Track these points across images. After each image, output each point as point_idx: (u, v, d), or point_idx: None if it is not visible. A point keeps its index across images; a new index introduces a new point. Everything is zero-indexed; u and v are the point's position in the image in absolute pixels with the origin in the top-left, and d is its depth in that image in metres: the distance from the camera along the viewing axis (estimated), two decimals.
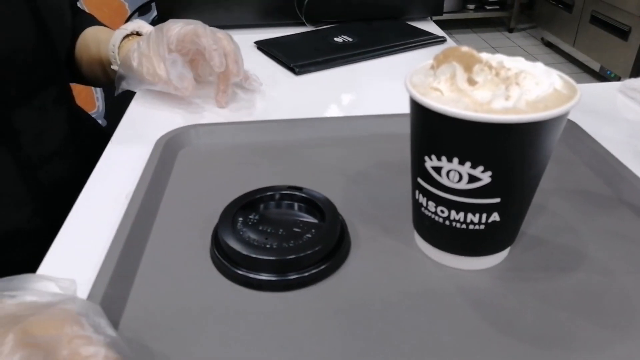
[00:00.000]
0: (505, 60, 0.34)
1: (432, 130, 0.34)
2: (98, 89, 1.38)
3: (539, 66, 0.34)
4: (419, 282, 0.38)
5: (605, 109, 0.63)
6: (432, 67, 0.34)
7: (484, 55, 0.35)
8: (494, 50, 3.28)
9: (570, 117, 0.55)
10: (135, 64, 0.62)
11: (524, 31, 3.59)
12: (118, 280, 0.37)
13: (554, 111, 0.30)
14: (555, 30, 3.13)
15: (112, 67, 0.69)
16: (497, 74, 0.32)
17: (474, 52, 0.33)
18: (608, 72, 2.70)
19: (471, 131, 0.31)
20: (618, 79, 2.62)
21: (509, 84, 0.32)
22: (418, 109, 0.34)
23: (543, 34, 3.29)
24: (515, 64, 0.34)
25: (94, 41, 0.74)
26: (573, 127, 0.55)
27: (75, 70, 0.78)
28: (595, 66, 2.80)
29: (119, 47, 0.68)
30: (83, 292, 0.35)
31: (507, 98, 0.31)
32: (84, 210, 0.47)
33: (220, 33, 0.65)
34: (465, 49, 0.33)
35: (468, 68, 0.32)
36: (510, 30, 3.57)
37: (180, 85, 0.61)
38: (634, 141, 0.56)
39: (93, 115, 1.46)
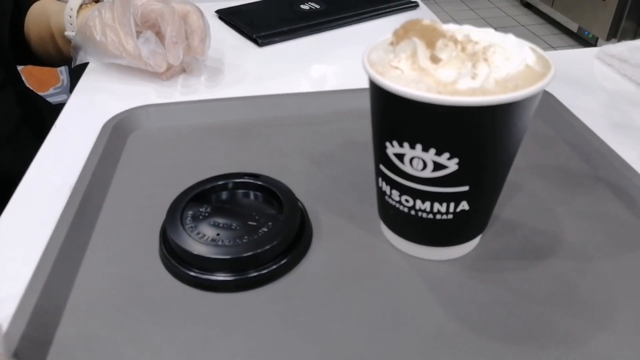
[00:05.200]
0: (473, 32, 0.31)
1: (392, 114, 0.30)
2: None
3: (510, 38, 0.31)
4: (385, 276, 0.35)
5: (582, 77, 0.60)
6: (392, 43, 0.30)
7: (450, 27, 0.31)
8: (472, 11, 3.22)
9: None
10: (98, 35, 0.57)
11: None
12: (53, 287, 0.33)
13: (524, 91, 0.27)
14: None
15: (66, 33, 0.63)
16: (463, 49, 0.29)
17: (437, 25, 0.30)
18: (586, 33, 2.67)
19: (434, 115, 0.28)
20: (596, 39, 2.60)
21: (476, 60, 0.28)
22: (376, 90, 0.30)
23: None
24: (484, 36, 0.31)
25: (43, 14, 0.69)
26: (549, 98, 0.52)
27: (25, 50, 0.72)
28: (574, 27, 2.77)
29: (77, 12, 0.62)
30: (13, 303, 0.32)
31: (473, 77, 0.28)
32: (21, 205, 0.43)
33: (190, 6, 0.59)
34: (427, 21, 0.29)
35: (430, 44, 0.28)
36: None
37: (152, 62, 0.57)
38: (611, 112, 0.53)
39: (57, 90, 1.39)
